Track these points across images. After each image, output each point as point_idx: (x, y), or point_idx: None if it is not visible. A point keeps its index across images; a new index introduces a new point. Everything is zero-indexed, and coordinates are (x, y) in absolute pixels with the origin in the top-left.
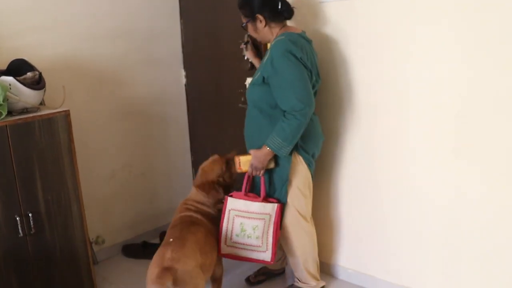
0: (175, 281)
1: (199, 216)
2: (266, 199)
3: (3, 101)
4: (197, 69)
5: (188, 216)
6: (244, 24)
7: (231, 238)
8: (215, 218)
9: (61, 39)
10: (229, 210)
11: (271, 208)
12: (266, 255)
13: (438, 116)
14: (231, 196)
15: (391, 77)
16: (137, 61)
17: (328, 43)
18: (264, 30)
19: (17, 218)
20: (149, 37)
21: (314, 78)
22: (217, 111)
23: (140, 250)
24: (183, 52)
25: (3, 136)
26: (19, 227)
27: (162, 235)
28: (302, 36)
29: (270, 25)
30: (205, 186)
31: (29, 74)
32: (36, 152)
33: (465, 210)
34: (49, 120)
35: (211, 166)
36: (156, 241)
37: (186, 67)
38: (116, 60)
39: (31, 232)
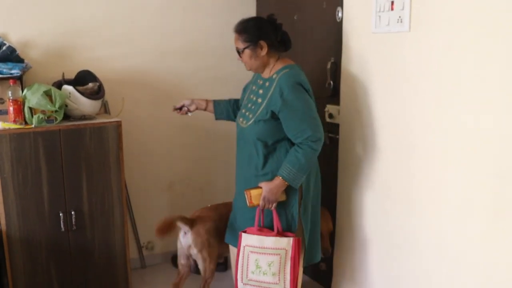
0: (192, 227)
1: None
2: (281, 233)
3: (59, 108)
4: None
5: None
6: (242, 49)
7: (247, 276)
8: None
9: (131, 53)
10: (244, 246)
11: (286, 242)
12: None
13: (479, 167)
14: (245, 232)
15: (430, 119)
16: (206, 78)
17: (372, 75)
18: (263, 58)
19: (61, 214)
20: (221, 55)
21: None
22: None
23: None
24: None
25: (55, 138)
26: (61, 223)
27: (173, 258)
28: (300, 68)
29: (270, 53)
30: None
31: (90, 84)
32: (84, 156)
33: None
34: (100, 128)
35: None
36: None
37: None
38: (185, 76)
39: (73, 229)
